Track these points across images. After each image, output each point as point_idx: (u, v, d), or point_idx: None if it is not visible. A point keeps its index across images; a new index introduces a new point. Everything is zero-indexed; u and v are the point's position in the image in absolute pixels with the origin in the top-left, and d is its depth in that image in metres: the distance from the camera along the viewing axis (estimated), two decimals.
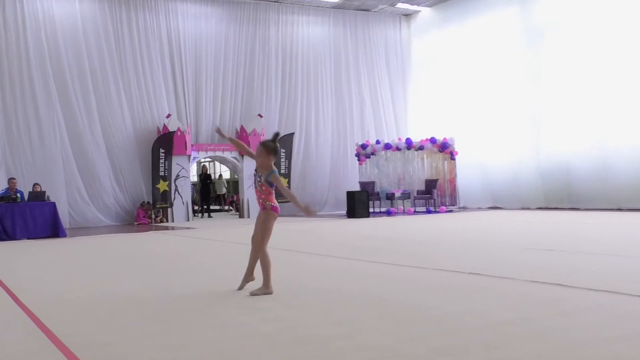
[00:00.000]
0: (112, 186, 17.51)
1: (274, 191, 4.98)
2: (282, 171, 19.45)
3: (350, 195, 17.15)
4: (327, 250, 8.16)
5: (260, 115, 19.23)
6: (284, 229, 12.70)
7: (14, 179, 14.04)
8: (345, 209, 17.78)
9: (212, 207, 21.96)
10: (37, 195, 13.56)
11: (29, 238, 12.98)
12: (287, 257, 7.53)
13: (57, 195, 15.97)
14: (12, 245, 11.67)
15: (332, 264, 6.73)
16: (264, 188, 4.99)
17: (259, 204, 5.04)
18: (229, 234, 12.19)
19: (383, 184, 19.54)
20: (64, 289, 5.50)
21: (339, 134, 21.54)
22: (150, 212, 17.55)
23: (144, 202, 17.64)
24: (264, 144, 4.95)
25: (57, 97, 16.77)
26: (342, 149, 21.52)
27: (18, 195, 13.51)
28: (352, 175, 21.09)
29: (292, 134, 20.04)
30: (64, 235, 13.32)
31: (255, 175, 5.05)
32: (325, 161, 21.17)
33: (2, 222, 12.92)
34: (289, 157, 19.64)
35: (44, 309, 4.58)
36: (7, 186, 13.90)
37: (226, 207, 24.41)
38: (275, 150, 4.95)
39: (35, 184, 14.59)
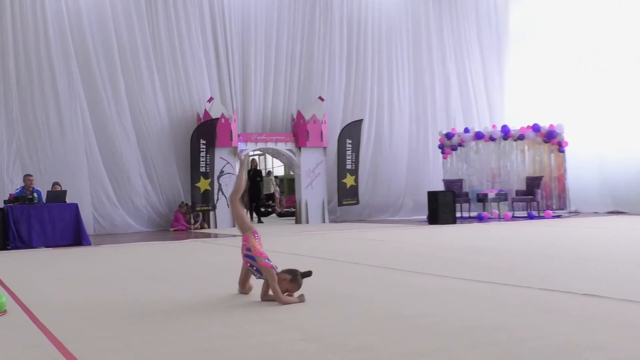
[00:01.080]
0: (143, 185, 17.82)
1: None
2: (348, 166, 19.33)
3: (433, 196, 17.17)
4: (405, 264, 8.16)
5: (321, 99, 19.26)
6: (354, 238, 12.80)
7: (31, 175, 14.33)
8: (426, 213, 17.87)
9: (262, 210, 22.28)
10: (57, 196, 13.86)
11: (47, 246, 13.25)
12: (358, 271, 7.68)
13: (80, 195, 16.30)
14: (28, 254, 11.91)
15: (416, 282, 6.73)
16: (254, 268, 5.73)
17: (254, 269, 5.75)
18: (283, 243, 12.31)
19: (473, 183, 19.55)
20: (90, 313, 5.55)
21: (418, 121, 21.55)
22: (188, 215, 17.84)
23: (182, 202, 17.92)
24: (296, 281, 5.60)
25: (79, 79, 17.16)
26: (422, 140, 21.57)
27: (35, 195, 13.79)
28: (435, 172, 21.12)
29: (360, 121, 19.99)
30: (88, 243, 13.55)
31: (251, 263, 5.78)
32: (401, 154, 21.18)
33: (16, 226, 13.24)
34: (356, 149, 19.56)
35: (66, 333, 4.66)
36: (23, 184, 14.21)
37: (278, 210, 24.69)
38: (298, 284, 5.60)
39: (54, 184, 14.97)
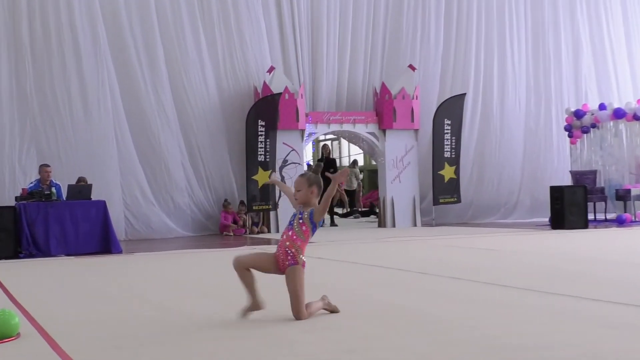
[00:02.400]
0: (187, 178, 17.98)
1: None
2: (447, 154, 19.36)
3: (557, 192, 17.00)
4: (522, 281, 8.15)
5: (412, 67, 19.21)
6: (454, 247, 12.89)
7: (48, 166, 14.53)
8: (548, 214, 17.74)
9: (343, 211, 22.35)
10: (81, 191, 14.00)
11: (68, 254, 13.43)
12: (458, 288, 7.81)
13: (109, 191, 16.48)
14: (46, 264, 12.01)
15: (535, 303, 6.75)
16: (303, 229, 6.06)
17: (286, 256, 6.04)
18: (362, 252, 12.36)
19: (611, 175, 19.23)
20: (122, 338, 5.60)
21: (538, 96, 21.35)
22: (244, 217, 17.93)
23: (226, 201, 17.92)
24: (303, 175, 6.28)
25: (107, 47, 17.32)
26: (542, 119, 21.39)
27: (53, 190, 13.93)
28: (560, 162, 20.95)
29: (462, 96, 19.92)
30: (119, 251, 13.73)
31: (296, 213, 6.17)
32: (516, 138, 21.05)
33: (30, 229, 13.40)
34: (456, 132, 19.56)
35: None
36: (38, 177, 14.41)
37: (359, 210, 24.76)
38: (319, 183, 6.14)
39: (80, 179, 15.28)
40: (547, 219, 18.20)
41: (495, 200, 20.65)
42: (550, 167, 21.03)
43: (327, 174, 6.46)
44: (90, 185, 14.32)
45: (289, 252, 6.00)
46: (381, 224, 19.16)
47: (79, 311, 6.99)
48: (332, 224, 20.69)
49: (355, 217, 24.07)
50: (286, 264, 5.99)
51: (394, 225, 18.78)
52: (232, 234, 17.44)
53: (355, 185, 24.86)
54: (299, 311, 5.90)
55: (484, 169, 20.68)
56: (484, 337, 5.15)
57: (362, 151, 23.69)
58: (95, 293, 8.30)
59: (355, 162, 25.90)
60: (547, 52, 21.40)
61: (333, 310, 6.20)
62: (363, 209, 24.48)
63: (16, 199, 13.88)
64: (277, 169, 17.86)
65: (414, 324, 5.72)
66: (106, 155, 17.03)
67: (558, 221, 16.70)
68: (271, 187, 17.63)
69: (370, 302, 6.91)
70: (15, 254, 13.16)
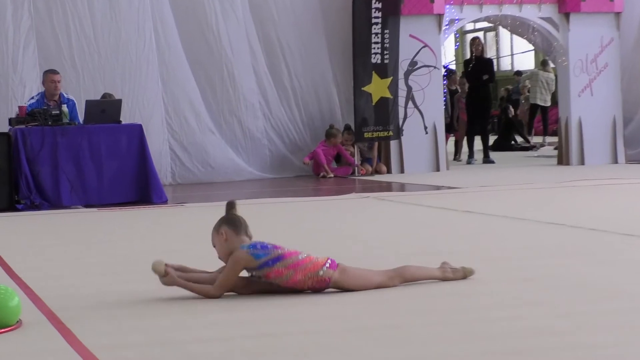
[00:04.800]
0: (261, 91, 18.24)
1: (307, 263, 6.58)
2: None
3: None
4: None
5: None
6: None
7: (56, 72, 14.61)
8: None
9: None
10: (104, 110, 14.12)
11: (87, 205, 13.63)
12: None
13: (148, 111, 16.84)
14: (54, 219, 12.19)
15: None
16: (272, 276, 6.57)
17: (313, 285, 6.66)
18: (536, 205, 12.36)
19: None
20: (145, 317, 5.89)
21: None
22: (350, 149, 17.95)
23: (331, 126, 17.97)
24: (214, 227, 6.77)
25: None
26: None
27: (65, 108, 14.12)
28: None
29: None
30: (162, 200, 13.90)
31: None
32: None
33: (32, 167, 13.51)
34: None
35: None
36: (43, 89, 14.63)
37: (535, 143, 24.97)
38: (226, 219, 6.78)
39: (105, 95, 15.55)
40: None
41: None
42: None
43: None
44: (119, 101, 14.44)
45: (308, 282, 6.57)
46: (562, 159, 19.26)
47: (102, 289, 7.06)
48: (487, 159, 20.77)
49: (536, 150, 24.41)
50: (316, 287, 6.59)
51: (582, 162, 18.88)
52: (332, 175, 17.54)
53: (549, 98, 25.10)
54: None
55: None
56: None
57: (532, 47, 23.83)
58: (126, 263, 8.34)
59: (545, 61, 25.40)
60: None
61: (463, 276, 6.80)
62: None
63: (10, 122, 13.96)
64: (401, 75, 17.85)
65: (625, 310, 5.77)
66: (141, 59, 17.17)
67: None
68: (392, 104, 17.65)
69: (557, 279, 6.90)
70: (11, 205, 13.29)
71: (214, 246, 6.60)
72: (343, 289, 6.54)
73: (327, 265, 6.49)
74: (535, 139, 26.34)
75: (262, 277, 6.48)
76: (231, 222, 6.62)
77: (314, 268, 6.46)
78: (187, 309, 6.22)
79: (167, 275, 6.52)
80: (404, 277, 6.65)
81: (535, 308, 5.85)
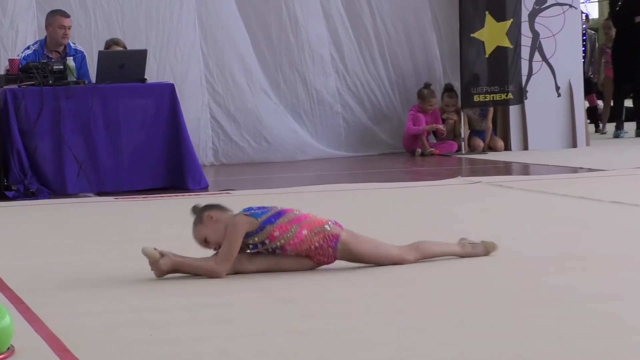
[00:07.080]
0: (333, 41, 17.60)
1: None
2: None
3: None
4: None
5: None
6: None
7: (67, 15, 13.71)
8: None
9: None
10: (123, 64, 13.06)
11: (101, 192, 12.77)
12: None
13: (181, 69, 16.29)
14: (57, 212, 11.65)
15: None
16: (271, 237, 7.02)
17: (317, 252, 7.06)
18: None
19: None
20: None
21: None
22: (453, 118, 17.45)
23: (427, 85, 17.31)
24: (194, 222, 7.16)
25: None
26: None
27: (70, 61, 13.04)
28: None
29: None
30: (201, 187, 13.07)
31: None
32: None
33: (27, 142, 12.49)
34: None
35: None
36: (44, 36, 13.81)
37: None
38: (210, 205, 7.23)
39: (110, 41, 14.72)
40: None
41: None
42: None
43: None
44: (144, 52, 13.46)
45: (313, 247, 6.93)
46: None
47: (119, 307, 6.53)
48: (618, 125, 20.82)
49: None
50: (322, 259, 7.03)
51: None
52: (432, 151, 16.87)
53: None
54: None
55: None
56: None
57: None
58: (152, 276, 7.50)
59: None
60: None
61: (485, 252, 7.18)
62: None
63: None
64: (523, 19, 17.17)
65: None
66: (174, 3, 16.41)
67: None
68: (512, 56, 17.16)
69: None
70: (0, 192, 12.42)
71: (204, 241, 6.97)
72: (353, 257, 7.01)
73: (332, 222, 6.96)
74: None
75: (265, 241, 6.90)
76: (211, 206, 7.08)
77: (319, 223, 6.95)
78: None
79: (164, 256, 7.03)
80: (421, 253, 7.16)
81: None
